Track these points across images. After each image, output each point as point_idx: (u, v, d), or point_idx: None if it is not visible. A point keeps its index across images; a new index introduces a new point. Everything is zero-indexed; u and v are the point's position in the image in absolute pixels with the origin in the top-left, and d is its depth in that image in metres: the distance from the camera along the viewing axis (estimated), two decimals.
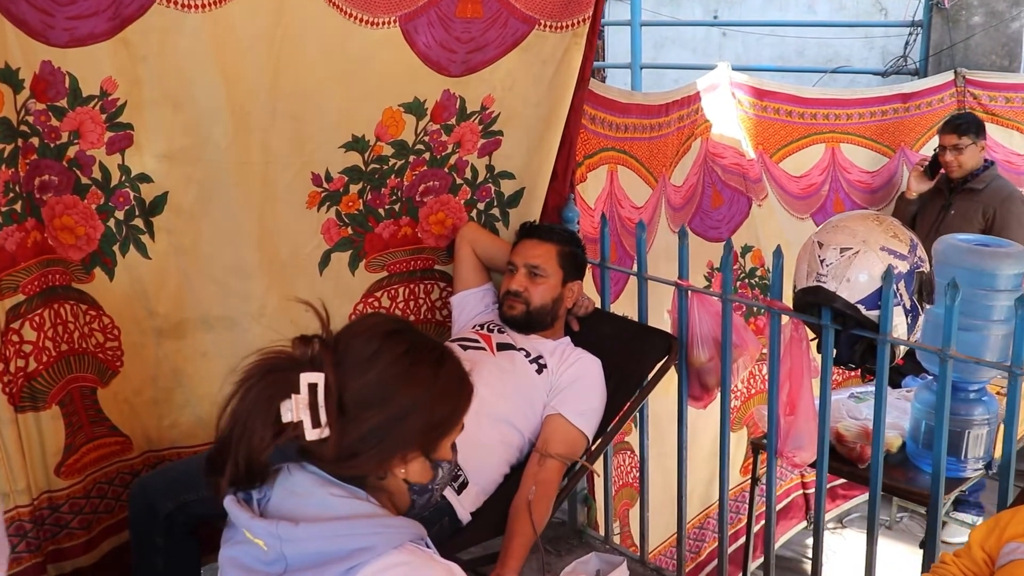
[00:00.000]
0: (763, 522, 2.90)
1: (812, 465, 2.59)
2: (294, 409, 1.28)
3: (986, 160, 4.50)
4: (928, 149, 4.84)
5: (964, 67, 5.14)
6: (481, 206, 2.95)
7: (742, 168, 4.19)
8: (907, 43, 5.63)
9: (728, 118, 4.16)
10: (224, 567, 1.40)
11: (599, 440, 2.51)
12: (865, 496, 3.87)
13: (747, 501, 3.50)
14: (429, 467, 1.41)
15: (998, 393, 2.97)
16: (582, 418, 2.44)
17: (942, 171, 4.50)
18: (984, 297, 2.77)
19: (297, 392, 1.29)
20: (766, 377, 2.82)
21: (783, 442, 2.53)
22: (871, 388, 3.44)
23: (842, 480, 4.27)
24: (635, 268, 2.83)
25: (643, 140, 3.62)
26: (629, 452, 3.55)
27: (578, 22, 2.79)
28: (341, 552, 1.27)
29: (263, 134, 2.42)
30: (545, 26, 2.74)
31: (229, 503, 1.35)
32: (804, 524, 4.51)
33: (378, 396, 1.34)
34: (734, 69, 4.22)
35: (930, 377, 2.95)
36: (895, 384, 4.03)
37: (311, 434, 1.29)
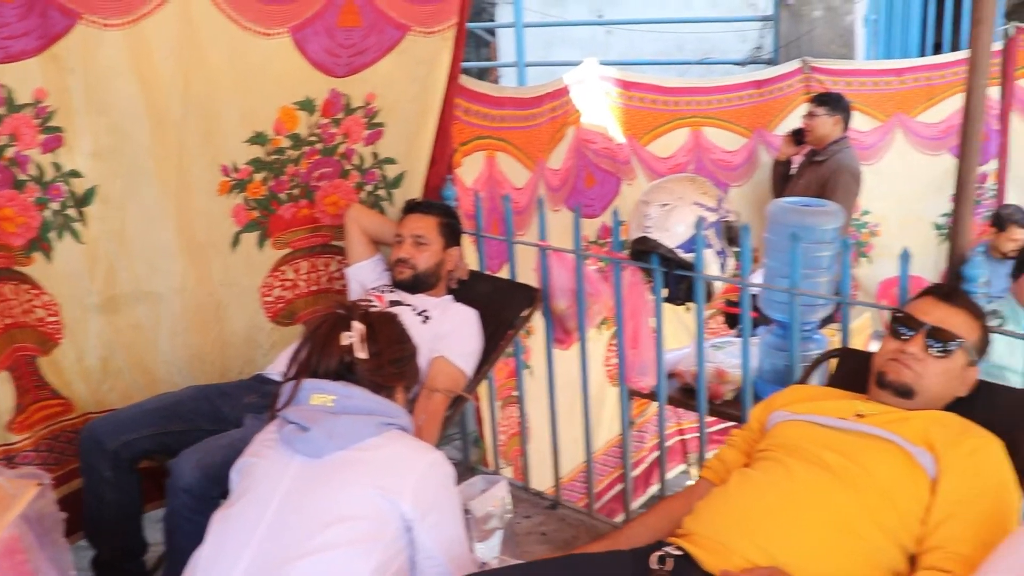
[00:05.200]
0: (643, 464, 3.36)
1: (653, 395, 3.06)
2: (353, 338, 2.02)
3: (842, 136, 5.06)
4: (782, 129, 5.41)
5: (809, 56, 5.75)
6: (369, 188, 3.39)
7: (611, 152, 4.70)
8: (761, 35, 6.22)
9: (597, 107, 4.67)
10: (266, 447, 2.00)
11: (477, 376, 2.97)
12: None
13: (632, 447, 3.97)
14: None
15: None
16: (462, 359, 2.89)
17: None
18: (810, 250, 3.28)
19: (350, 330, 2.03)
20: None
21: (630, 371, 3.02)
22: (728, 338, 3.98)
23: (720, 426, 4.77)
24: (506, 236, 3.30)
25: (518, 129, 4.09)
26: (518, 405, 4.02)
27: (446, 27, 3.24)
28: (383, 412, 1.99)
29: (178, 132, 2.81)
30: (417, 31, 3.18)
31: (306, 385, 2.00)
32: (683, 467, 5.02)
33: (398, 339, 2.14)
34: (619, 64, 4.70)
35: (773, 325, 3.46)
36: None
37: (360, 352, 2.02)
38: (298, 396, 1.99)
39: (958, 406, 2.10)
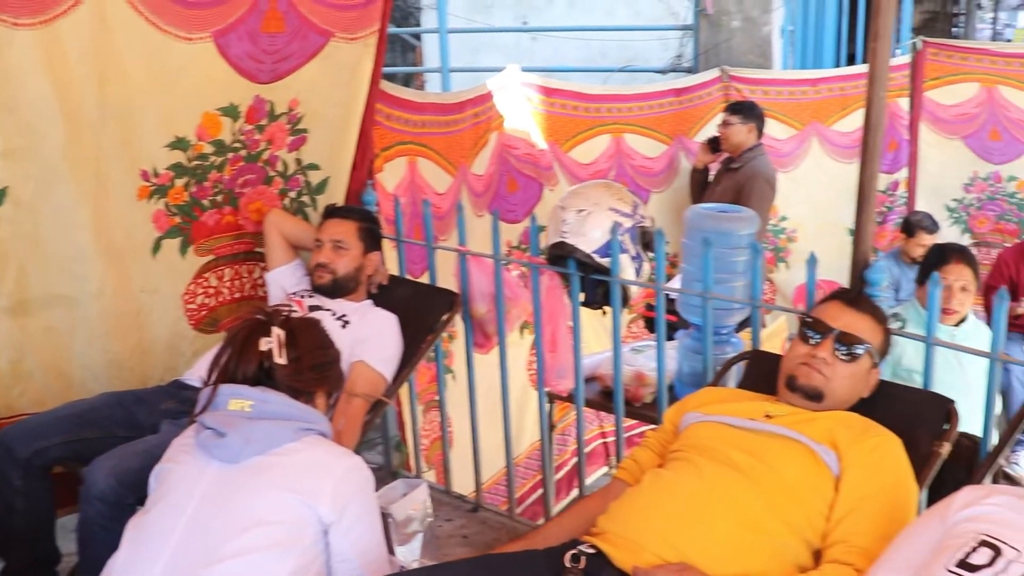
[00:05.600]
0: (566, 468, 3.40)
1: (570, 398, 3.11)
2: (272, 343, 2.03)
3: (757, 144, 5.19)
4: (702, 137, 5.52)
5: (728, 65, 5.89)
6: (293, 194, 3.39)
7: (534, 158, 4.76)
8: (682, 44, 6.34)
9: (520, 114, 4.72)
10: (182, 453, 1.99)
11: (398, 380, 2.99)
12: None
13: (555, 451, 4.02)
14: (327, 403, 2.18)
15: None
16: (382, 363, 2.91)
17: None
18: (726, 255, 3.35)
19: (269, 336, 2.02)
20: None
21: (549, 374, 3.07)
22: (648, 342, 4.04)
23: (641, 428, 4.85)
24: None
25: (440, 135, 4.12)
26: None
27: (368, 34, 3.27)
28: (301, 417, 2.00)
29: (94, 135, 2.77)
30: (340, 38, 3.20)
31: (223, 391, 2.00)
32: (605, 469, 5.10)
33: (319, 344, 2.15)
34: (543, 71, 4.75)
35: (691, 329, 3.52)
36: (668, 337, 4.66)
37: (279, 358, 2.02)
38: (215, 401, 1.99)
39: (861, 406, 2.18)
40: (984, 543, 1.57)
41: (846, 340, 2.13)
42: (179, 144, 2.99)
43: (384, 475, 3.53)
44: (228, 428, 1.92)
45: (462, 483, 3.52)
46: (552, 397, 3.83)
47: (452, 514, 3.32)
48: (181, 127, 2.99)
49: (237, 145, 3.15)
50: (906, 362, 3.55)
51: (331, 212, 3.17)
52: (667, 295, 4.90)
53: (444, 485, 3.49)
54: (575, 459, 4.92)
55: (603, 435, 5.14)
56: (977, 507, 1.69)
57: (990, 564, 1.53)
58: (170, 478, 1.96)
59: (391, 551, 2.43)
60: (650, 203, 5.47)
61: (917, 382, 2.54)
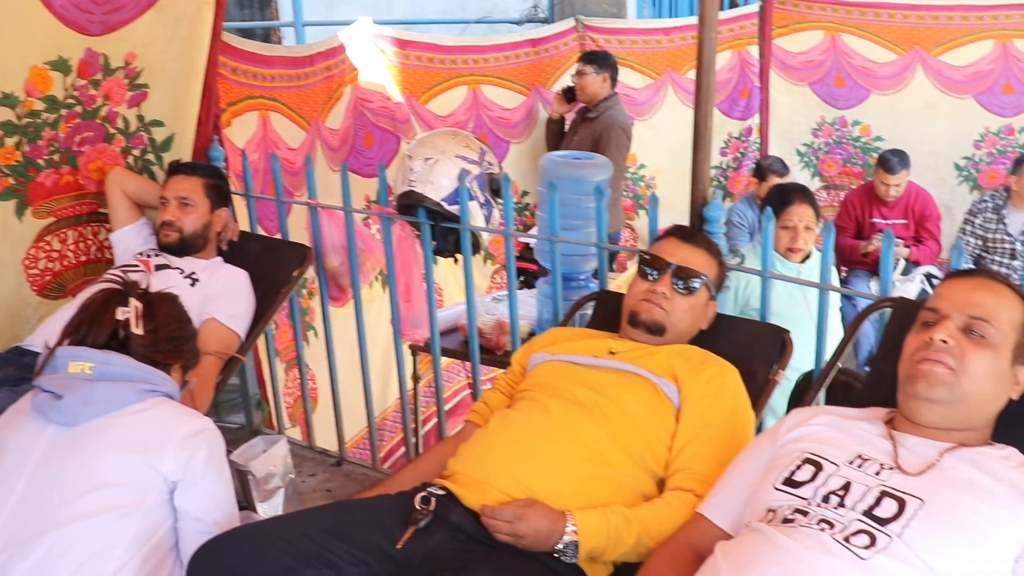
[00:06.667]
0: (435, 420, 3.39)
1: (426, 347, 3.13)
2: (129, 313, 2.00)
3: (612, 93, 5.26)
4: (558, 87, 5.57)
5: (583, 15, 5.93)
6: (136, 152, 3.28)
7: (390, 111, 4.72)
8: None
9: (374, 67, 4.67)
10: (17, 418, 1.95)
11: (251, 336, 2.95)
12: None
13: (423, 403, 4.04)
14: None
15: None
16: (233, 319, 2.87)
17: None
18: (580, 201, 3.40)
19: (127, 305, 1.99)
20: None
21: (405, 324, 3.07)
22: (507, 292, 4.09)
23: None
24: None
25: (291, 88, 4.05)
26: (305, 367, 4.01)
27: None
28: (145, 378, 1.97)
29: None
30: None
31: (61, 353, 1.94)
32: None
33: (177, 319, 2.13)
34: (400, 23, 4.70)
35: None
36: (530, 285, 4.74)
37: (135, 328, 1.99)
38: (54, 364, 1.94)
39: (703, 339, 2.26)
40: (807, 460, 1.67)
41: (683, 274, 2.20)
42: (5, 101, 2.85)
43: (246, 434, 3.50)
44: (65, 391, 1.87)
45: (330, 440, 3.50)
46: (416, 349, 3.84)
47: (316, 469, 3.31)
48: (6, 82, 2.84)
49: (71, 101, 3.02)
50: (754, 302, 3.67)
51: (175, 169, 3.09)
52: (528, 243, 4.99)
53: (307, 441, 3.47)
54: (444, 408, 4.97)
55: (470, 385, 5.16)
56: (802, 428, 1.78)
57: (812, 479, 1.62)
58: (6, 445, 1.91)
59: (253, 508, 2.43)
60: (509, 154, 5.50)
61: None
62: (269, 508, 2.47)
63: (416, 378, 3.98)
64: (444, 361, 4.99)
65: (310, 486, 3.18)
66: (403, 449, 4.65)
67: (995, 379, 1.65)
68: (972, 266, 5.15)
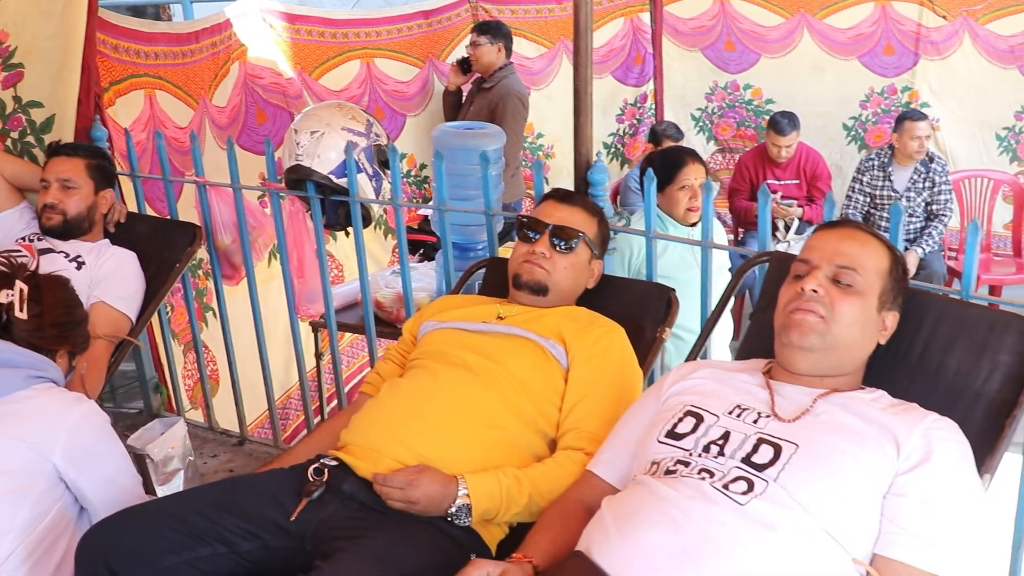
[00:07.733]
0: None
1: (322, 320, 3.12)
2: (13, 296, 1.99)
3: (507, 63, 5.27)
4: (453, 58, 5.56)
5: None
6: (15, 135, 3.19)
7: (281, 87, 4.66)
8: None
9: (263, 42, 4.60)
10: None
11: (142, 318, 2.91)
12: None
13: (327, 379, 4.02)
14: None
15: None
16: (123, 302, 2.83)
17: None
18: (474, 171, 3.41)
19: (11, 288, 1.99)
20: None
21: (299, 300, 3.06)
22: (412, 264, 4.09)
23: None
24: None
25: (176, 66, 3.97)
26: (205, 350, 3.96)
27: None
28: (30, 364, 1.96)
29: None
30: None
31: None
32: None
33: (65, 303, 2.11)
34: None
35: None
36: (430, 257, 4.75)
37: (19, 312, 1.99)
38: None
39: (591, 300, 2.31)
40: (689, 413, 1.72)
41: (561, 233, 2.24)
42: None
43: (144, 419, 3.45)
44: None
45: (234, 421, 3.47)
46: (316, 326, 3.82)
47: (217, 450, 3.29)
48: None
49: None
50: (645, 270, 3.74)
51: (56, 150, 3.01)
52: (427, 215, 4.99)
53: (207, 422, 3.44)
54: (347, 385, 4.95)
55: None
56: (685, 382, 1.84)
57: (693, 431, 1.68)
58: None
59: (153, 492, 2.41)
60: (406, 127, 5.49)
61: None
62: (169, 491, 2.45)
63: (319, 355, 3.96)
64: (349, 336, 4.99)
65: (212, 467, 3.17)
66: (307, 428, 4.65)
67: (863, 325, 1.71)
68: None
